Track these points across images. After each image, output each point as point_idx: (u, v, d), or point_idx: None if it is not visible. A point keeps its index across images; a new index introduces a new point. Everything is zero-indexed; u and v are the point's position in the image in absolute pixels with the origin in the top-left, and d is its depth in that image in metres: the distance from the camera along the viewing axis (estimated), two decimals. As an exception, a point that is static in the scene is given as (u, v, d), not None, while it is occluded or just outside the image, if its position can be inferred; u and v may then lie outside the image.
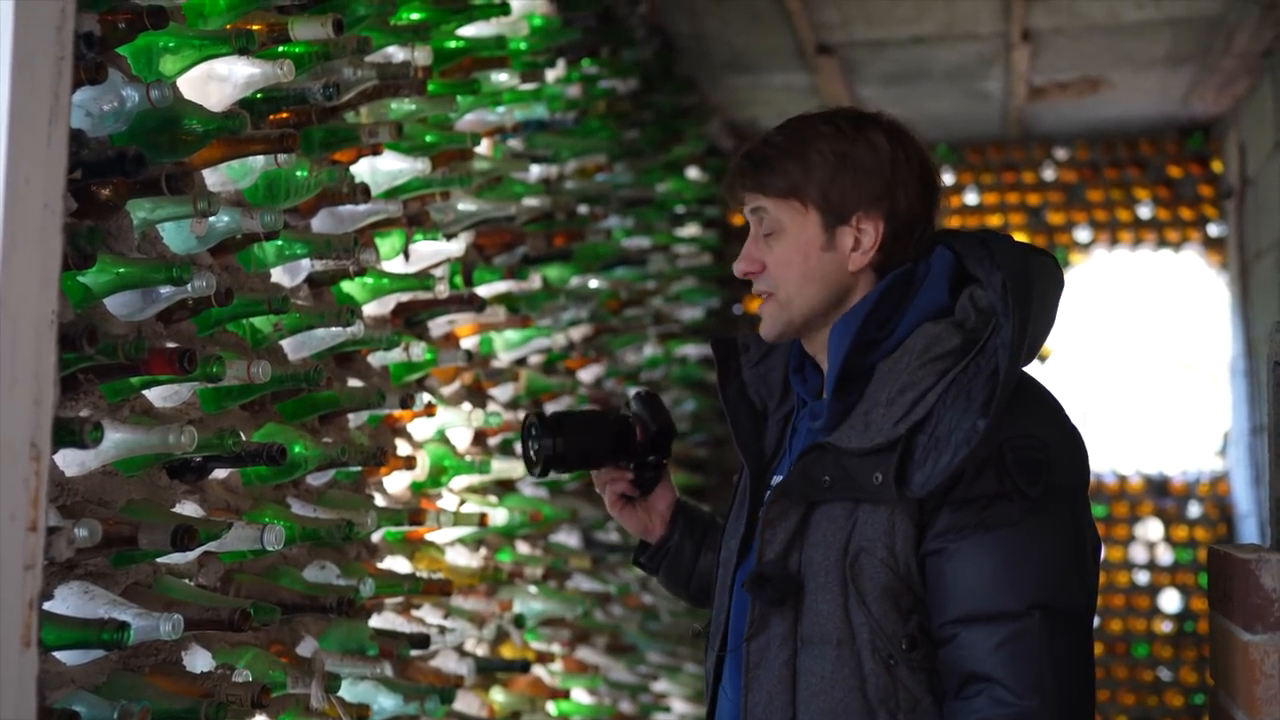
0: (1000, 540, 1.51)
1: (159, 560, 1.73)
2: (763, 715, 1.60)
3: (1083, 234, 6.22)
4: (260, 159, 1.87)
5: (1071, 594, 1.53)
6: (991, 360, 1.54)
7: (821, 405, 1.66)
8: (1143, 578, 5.92)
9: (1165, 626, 5.87)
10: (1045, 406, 1.61)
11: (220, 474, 1.91)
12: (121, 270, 1.58)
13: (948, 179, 6.28)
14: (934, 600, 1.54)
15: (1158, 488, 5.99)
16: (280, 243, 1.99)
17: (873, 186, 1.62)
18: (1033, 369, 1.66)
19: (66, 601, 1.52)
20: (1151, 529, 5.98)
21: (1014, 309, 1.54)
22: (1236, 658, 1.62)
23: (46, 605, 1.47)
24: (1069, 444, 1.59)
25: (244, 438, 1.75)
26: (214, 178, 1.88)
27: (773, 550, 1.61)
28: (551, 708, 3.08)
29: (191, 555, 1.78)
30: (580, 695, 3.36)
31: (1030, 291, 1.56)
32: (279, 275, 2.10)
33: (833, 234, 1.63)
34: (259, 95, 1.90)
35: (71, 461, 1.57)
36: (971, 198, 6.31)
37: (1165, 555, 5.93)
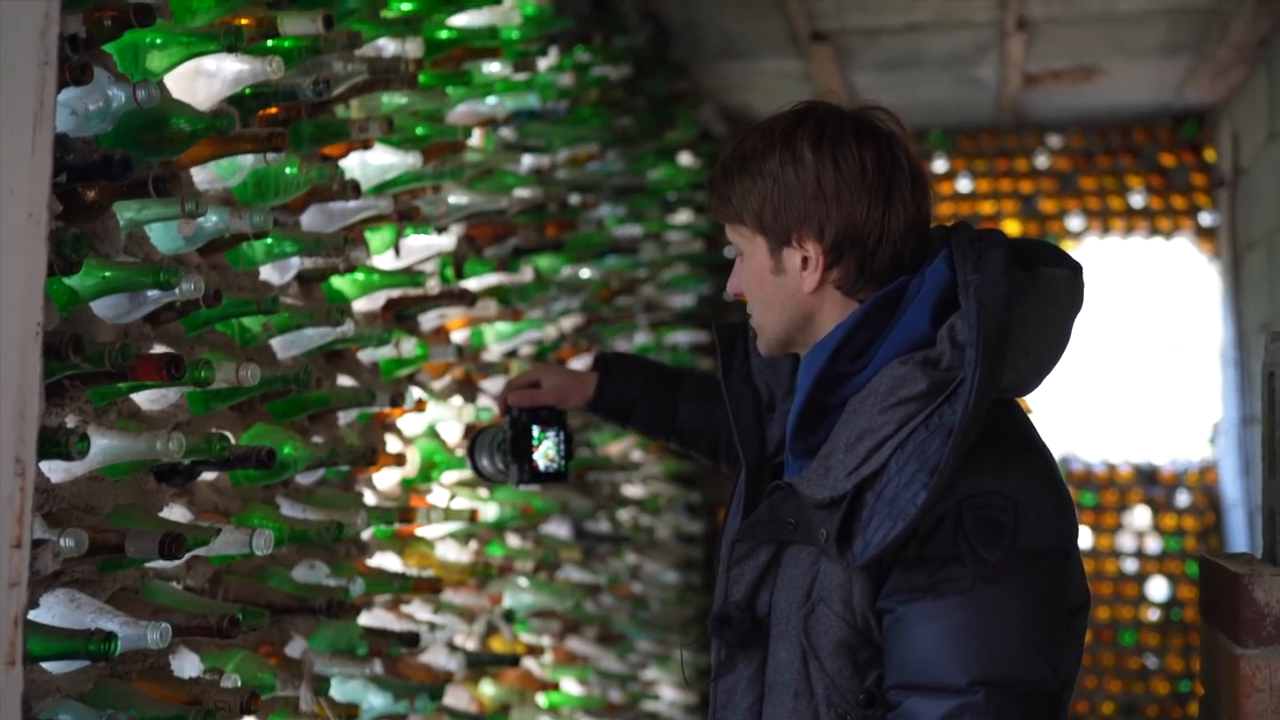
0: (950, 608, 1.39)
1: (147, 565, 1.71)
2: None
3: (1075, 222, 6.20)
4: (249, 157, 1.84)
5: (1029, 669, 1.39)
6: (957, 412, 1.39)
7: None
8: (1130, 566, 5.94)
9: (1152, 614, 5.90)
10: (1020, 459, 1.47)
11: (209, 476, 1.89)
12: (108, 274, 1.56)
13: (939, 166, 6.25)
14: (885, 661, 1.45)
15: (1146, 477, 6.00)
16: (269, 241, 1.97)
17: (800, 202, 1.50)
18: (1031, 400, 1.52)
19: (52, 610, 1.50)
20: (1139, 517, 6.00)
21: (980, 359, 1.38)
22: (1228, 671, 1.62)
23: (31, 614, 1.45)
24: (1044, 503, 1.44)
25: (232, 441, 1.73)
26: (202, 174, 1.85)
27: (739, 590, 1.54)
28: (542, 699, 3.08)
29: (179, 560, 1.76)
30: (570, 686, 3.36)
31: (1003, 333, 1.40)
32: (268, 272, 2.07)
33: (779, 257, 1.54)
34: (248, 91, 1.87)
35: (57, 468, 1.55)
36: (964, 184, 6.29)
37: (1153, 544, 5.95)
